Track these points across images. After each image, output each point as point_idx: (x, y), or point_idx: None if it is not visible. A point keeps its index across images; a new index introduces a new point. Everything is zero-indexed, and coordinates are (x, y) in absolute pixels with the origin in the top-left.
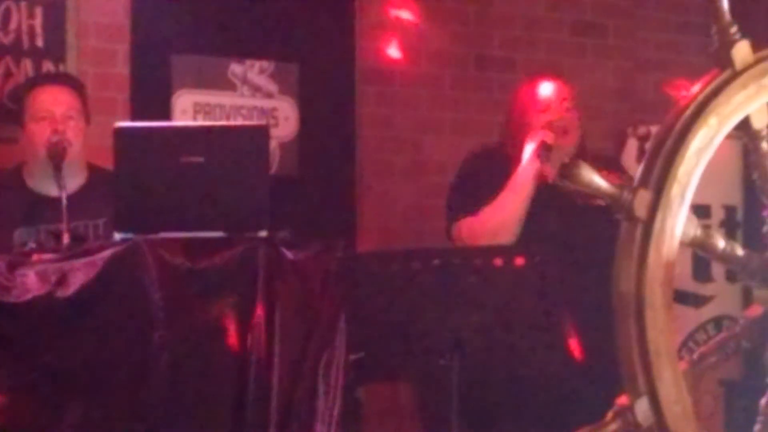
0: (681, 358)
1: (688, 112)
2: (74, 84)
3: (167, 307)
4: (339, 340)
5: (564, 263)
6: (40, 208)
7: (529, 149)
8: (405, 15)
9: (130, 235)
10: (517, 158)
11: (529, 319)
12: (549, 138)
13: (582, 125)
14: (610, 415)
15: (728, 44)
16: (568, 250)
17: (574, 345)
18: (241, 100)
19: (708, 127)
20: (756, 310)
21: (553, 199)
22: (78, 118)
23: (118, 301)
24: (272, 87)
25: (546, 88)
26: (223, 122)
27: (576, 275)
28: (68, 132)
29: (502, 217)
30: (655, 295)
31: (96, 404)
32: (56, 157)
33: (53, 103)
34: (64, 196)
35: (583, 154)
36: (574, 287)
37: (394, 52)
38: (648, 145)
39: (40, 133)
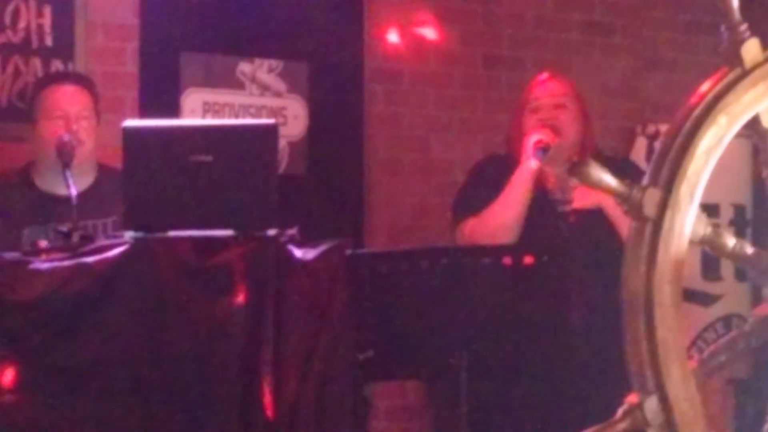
0: (690, 357)
1: (697, 111)
2: (87, 84)
3: (176, 305)
4: (347, 339)
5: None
6: (50, 206)
7: (526, 148)
8: (413, 14)
9: (138, 234)
10: (518, 160)
11: (537, 318)
12: (546, 137)
13: (583, 123)
14: (619, 413)
15: (738, 42)
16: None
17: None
18: (249, 98)
19: (717, 126)
20: (765, 309)
21: (555, 202)
22: (90, 117)
23: (126, 300)
24: (281, 86)
25: (537, 88)
26: (232, 121)
27: (581, 276)
28: (81, 131)
29: (501, 218)
30: (664, 293)
31: (103, 402)
32: (65, 156)
33: (68, 102)
34: (73, 194)
35: (583, 152)
36: (580, 287)
37: (402, 51)
38: (657, 144)
39: (52, 132)
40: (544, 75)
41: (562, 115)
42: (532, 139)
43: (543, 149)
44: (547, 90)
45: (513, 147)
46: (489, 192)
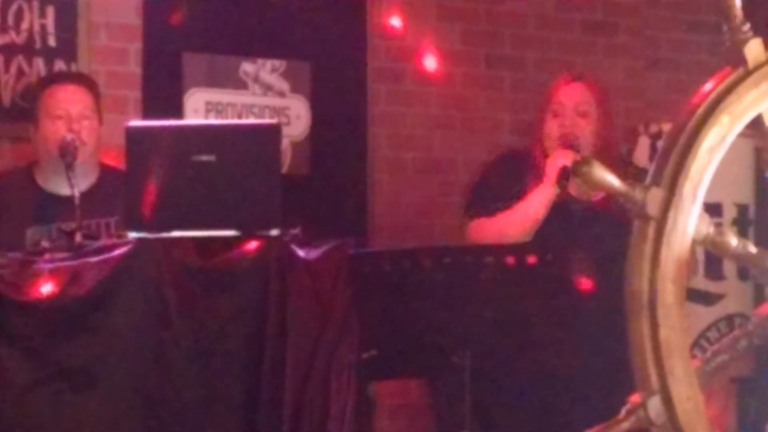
0: (693, 357)
1: (701, 110)
2: (89, 84)
3: (179, 305)
4: (351, 338)
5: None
6: (52, 206)
7: (549, 172)
8: (416, 14)
9: (141, 234)
10: (536, 165)
11: (540, 318)
12: (569, 161)
13: (604, 129)
14: (622, 412)
15: (740, 42)
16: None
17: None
18: (252, 98)
19: (720, 125)
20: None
21: (567, 213)
22: (92, 117)
23: (130, 300)
24: (284, 86)
25: (561, 91)
26: (235, 121)
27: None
28: (83, 131)
29: (512, 229)
30: (668, 292)
31: (109, 402)
32: (68, 155)
33: (69, 101)
34: (76, 194)
35: (603, 159)
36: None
37: (405, 51)
38: (660, 144)
39: (54, 132)
40: (570, 76)
41: (583, 123)
42: (557, 163)
43: (566, 175)
44: (571, 94)
45: (534, 148)
46: (502, 192)
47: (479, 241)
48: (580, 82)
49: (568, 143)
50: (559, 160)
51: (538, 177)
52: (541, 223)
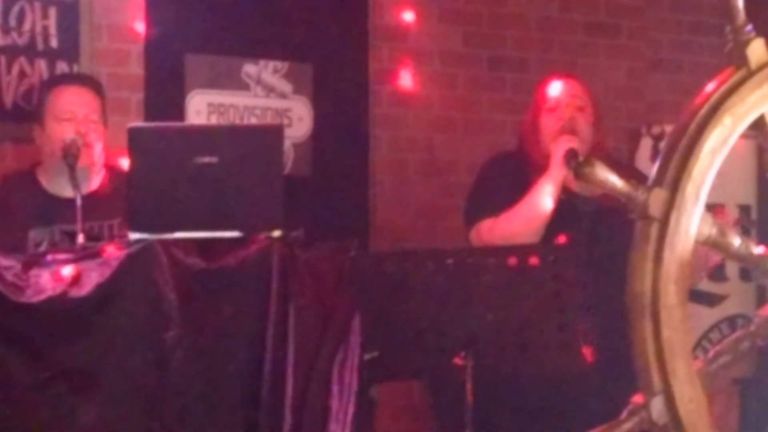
0: (695, 358)
1: (703, 111)
2: (96, 86)
3: (181, 306)
4: (353, 340)
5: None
6: (55, 208)
7: (556, 156)
8: (418, 15)
9: (144, 236)
10: (534, 161)
11: (542, 319)
12: (575, 144)
13: (597, 125)
14: (624, 413)
15: (743, 43)
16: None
17: (586, 349)
18: (254, 100)
19: (722, 126)
20: None
21: (571, 210)
22: (99, 120)
23: (132, 301)
24: (286, 87)
25: (555, 87)
26: (237, 122)
27: (593, 279)
28: (89, 134)
29: (524, 221)
30: (670, 293)
31: (110, 403)
32: (71, 157)
33: (76, 104)
34: (78, 196)
35: (595, 155)
36: (590, 290)
37: (406, 52)
38: (662, 145)
39: (60, 133)
40: (559, 75)
41: (581, 117)
42: (562, 146)
43: (573, 157)
44: (566, 90)
45: (527, 146)
46: (504, 192)
47: (488, 242)
48: (572, 79)
49: (569, 132)
50: (564, 143)
51: (540, 174)
52: (549, 218)
